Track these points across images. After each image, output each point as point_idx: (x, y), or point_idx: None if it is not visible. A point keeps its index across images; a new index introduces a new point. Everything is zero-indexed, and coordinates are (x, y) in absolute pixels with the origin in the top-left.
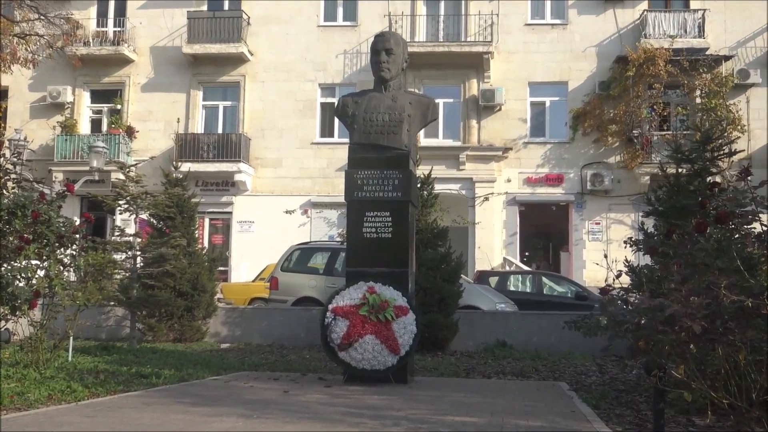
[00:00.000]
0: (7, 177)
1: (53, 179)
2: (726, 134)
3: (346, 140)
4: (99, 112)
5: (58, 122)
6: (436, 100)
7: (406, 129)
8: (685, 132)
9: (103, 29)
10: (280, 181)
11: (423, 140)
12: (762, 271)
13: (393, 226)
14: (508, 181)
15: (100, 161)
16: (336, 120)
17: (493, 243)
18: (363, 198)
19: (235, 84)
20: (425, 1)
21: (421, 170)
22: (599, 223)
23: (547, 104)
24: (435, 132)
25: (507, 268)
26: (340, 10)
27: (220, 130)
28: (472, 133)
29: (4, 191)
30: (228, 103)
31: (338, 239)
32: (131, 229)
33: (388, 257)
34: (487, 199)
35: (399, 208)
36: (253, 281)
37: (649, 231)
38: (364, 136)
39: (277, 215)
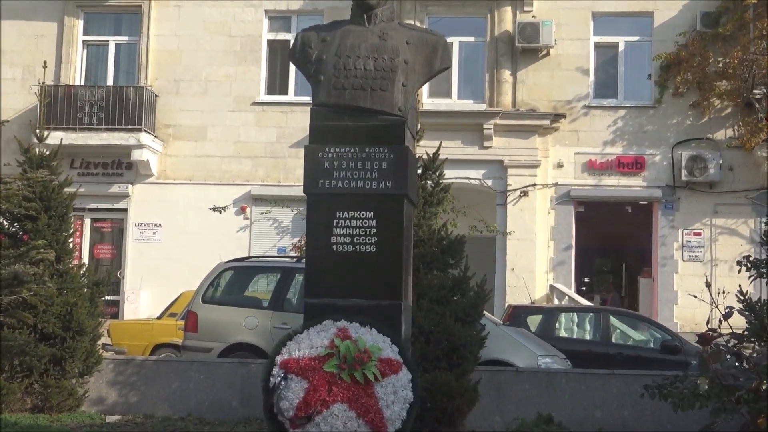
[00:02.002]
0: None
1: None
2: None
3: (308, 99)
4: None
5: None
6: (449, 39)
7: (400, 83)
8: None
9: None
10: (202, 161)
11: (427, 101)
12: None
13: (379, 233)
14: (559, 166)
15: None
16: (292, 68)
17: (535, 263)
18: (332, 190)
19: (135, 10)
20: None
21: (424, 147)
22: (700, 234)
23: (621, 47)
24: (446, 88)
25: (555, 302)
26: None
27: (110, 82)
28: (504, 92)
29: None
30: (123, 40)
31: (293, 253)
32: None
33: (371, 282)
34: (525, 193)
35: (388, 205)
36: (159, 318)
37: None
38: (335, 93)
39: (198, 215)
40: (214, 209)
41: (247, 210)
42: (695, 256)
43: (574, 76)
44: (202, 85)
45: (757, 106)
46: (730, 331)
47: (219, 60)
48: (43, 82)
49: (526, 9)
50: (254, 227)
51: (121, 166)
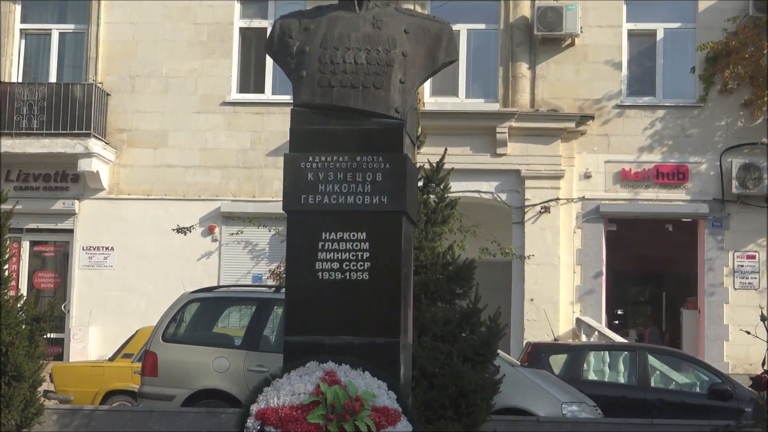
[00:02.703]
0: None
1: None
2: None
3: (288, 99)
4: None
5: None
6: (455, 27)
7: (398, 80)
8: None
9: None
10: (163, 173)
11: (429, 100)
12: None
13: (372, 258)
14: (587, 176)
15: None
16: (269, 61)
17: (558, 292)
18: (317, 206)
19: None
20: None
21: (426, 155)
22: (754, 256)
23: (660, 36)
24: (452, 85)
25: (583, 339)
26: None
27: (52, 78)
28: (521, 89)
29: None
30: (68, 28)
31: (270, 282)
32: None
33: (363, 316)
34: (546, 209)
35: (384, 225)
36: (112, 359)
37: None
38: (320, 91)
39: (158, 237)
40: (177, 230)
41: (216, 230)
42: (749, 283)
43: (603, 70)
44: (163, 81)
45: None
46: None
47: (182, 52)
48: None
49: None
50: (224, 251)
51: (66, 178)
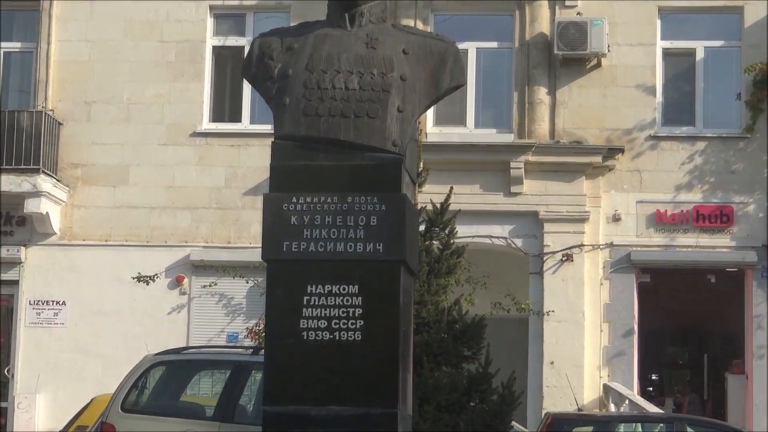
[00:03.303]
0: None
1: None
2: None
3: (268, 129)
4: None
5: None
6: (462, 45)
7: (395, 107)
8: None
9: None
10: (123, 215)
11: (433, 130)
12: None
13: (366, 315)
14: (615, 219)
15: None
16: (247, 86)
17: (583, 353)
18: (302, 255)
19: (31, 6)
20: None
21: (429, 194)
22: None
23: (700, 55)
24: (459, 113)
25: (612, 409)
26: None
27: None
28: (539, 117)
29: None
30: (14, 47)
31: (248, 342)
32: None
33: (355, 383)
34: (568, 257)
35: (379, 276)
36: None
37: None
38: (305, 121)
39: (117, 289)
40: (139, 280)
41: (185, 282)
42: None
43: (634, 95)
44: (124, 108)
45: None
46: None
47: (146, 75)
48: None
49: (568, 4)
50: (195, 305)
51: (10, 221)
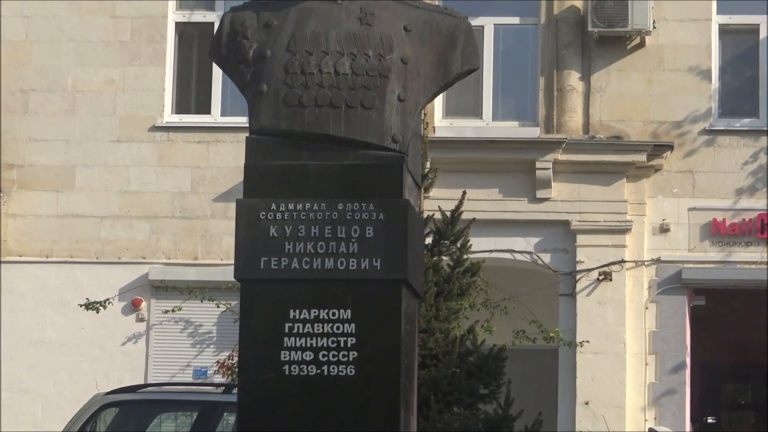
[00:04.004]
0: None
1: None
2: None
3: (243, 123)
4: None
5: None
6: (477, 21)
7: (395, 96)
8: None
9: None
10: (68, 225)
11: (442, 123)
12: None
13: (360, 345)
14: (663, 230)
15: None
16: (217, 71)
17: (624, 391)
18: (283, 273)
19: None
20: None
21: (438, 200)
22: None
23: (764, 33)
24: (473, 103)
25: None
26: None
27: None
28: (570, 107)
29: None
30: None
31: (218, 378)
32: None
33: (347, 426)
34: (607, 276)
35: (376, 299)
36: None
37: None
38: (287, 113)
39: (61, 315)
40: (88, 306)
41: (143, 306)
42: None
43: (686, 81)
44: (68, 98)
45: None
46: None
47: (96, 57)
48: None
49: None
50: (155, 334)
51: None
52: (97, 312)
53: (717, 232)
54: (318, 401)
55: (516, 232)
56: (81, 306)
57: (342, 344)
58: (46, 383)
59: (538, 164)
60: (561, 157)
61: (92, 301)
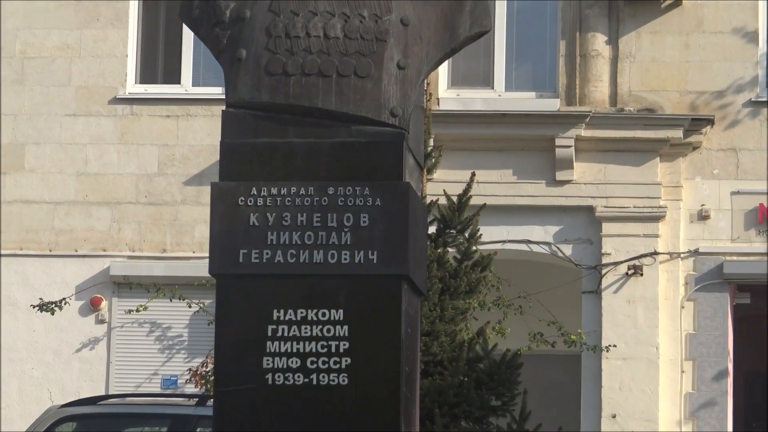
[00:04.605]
0: None
1: None
2: None
3: (218, 93)
4: None
5: None
6: None
7: (394, 63)
8: None
9: None
10: (16, 212)
11: (447, 94)
12: None
13: (354, 350)
14: (703, 217)
15: None
16: (188, 34)
17: (657, 402)
18: (265, 267)
19: None
20: None
21: (443, 183)
22: None
23: None
24: (483, 71)
25: None
26: None
27: None
28: (595, 76)
29: None
30: None
31: (190, 388)
32: None
33: None
34: (637, 271)
35: (372, 298)
36: None
37: None
38: (269, 82)
39: (9, 317)
40: (41, 307)
41: (103, 305)
42: None
43: (728, 45)
44: (15, 66)
45: None
46: None
47: (47, 18)
48: None
49: None
50: (117, 338)
51: None
52: (52, 314)
53: (764, 220)
54: (306, 415)
55: (533, 219)
56: (33, 307)
57: (333, 349)
58: None
59: (557, 141)
60: (584, 133)
61: (46, 301)
